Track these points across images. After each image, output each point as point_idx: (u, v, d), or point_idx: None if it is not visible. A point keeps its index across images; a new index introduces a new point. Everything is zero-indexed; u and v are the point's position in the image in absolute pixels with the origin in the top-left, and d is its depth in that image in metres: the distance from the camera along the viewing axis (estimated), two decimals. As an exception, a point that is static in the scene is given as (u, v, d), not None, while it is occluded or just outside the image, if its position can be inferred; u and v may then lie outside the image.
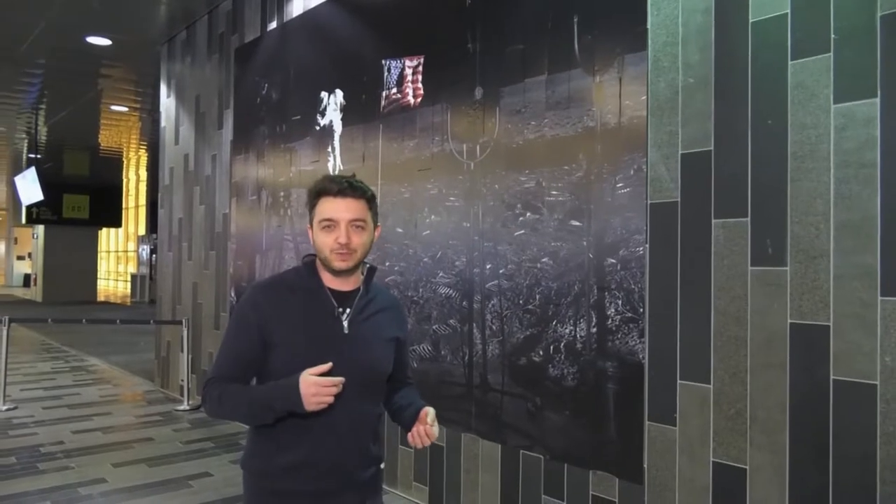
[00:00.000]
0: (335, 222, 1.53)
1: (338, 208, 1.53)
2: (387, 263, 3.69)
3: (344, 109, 4.05)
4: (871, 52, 1.97)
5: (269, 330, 1.54)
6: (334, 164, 4.11)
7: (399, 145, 3.64)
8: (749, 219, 2.23)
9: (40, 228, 18.27)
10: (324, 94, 4.20)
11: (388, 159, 3.72)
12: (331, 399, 1.43)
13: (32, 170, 10.77)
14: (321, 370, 1.45)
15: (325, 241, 1.54)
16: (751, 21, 2.23)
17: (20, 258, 24.97)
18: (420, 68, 3.51)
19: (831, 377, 2.04)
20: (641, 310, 2.52)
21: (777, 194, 2.16)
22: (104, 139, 11.96)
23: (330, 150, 4.15)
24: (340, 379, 1.44)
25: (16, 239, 24.83)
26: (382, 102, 3.75)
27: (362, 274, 1.65)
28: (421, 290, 3.48)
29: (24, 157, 13.51)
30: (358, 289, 1.63)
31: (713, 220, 2.32)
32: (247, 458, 1.60)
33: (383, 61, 3.73)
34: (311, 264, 1.62)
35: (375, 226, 1.62)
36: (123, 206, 19.74)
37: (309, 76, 4.35)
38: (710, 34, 2.34)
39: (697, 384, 2.36)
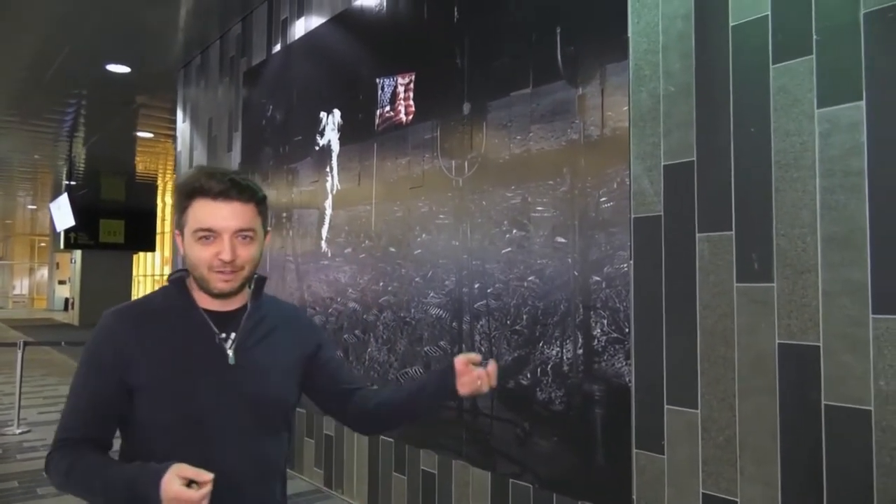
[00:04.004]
0: (215, 233, 1.22)
1: (220, 215, 1.22)
2: (381, 283, 3.62)
3: (341, 129, 4.02)
4: (855, 52, 1.84)
5: (129, 368, 1.22)
6: (332, 183, 4.08)
7: (392, 163, 3.58)
8: (734, 232, 2.10)
9: (78, 253, 18.78)
10: (323, 114, 4.19)
11: (382, 178, 3.67)
12: None
13: (65, 196, 11.07)
14: (198, 475, 1.10)
15: (201, 256, 1.23)
16: (731, 25, 2.12)
17: (61, 283, 25.71)
18: (411, 85, 3.47)
19: (823, 402, 1.88)
20: (627, 330, 2.39)
21: (762, 206, 2.03)
22: (137, 165, 12.25)
23: (328, 169, 4.12)
24: (206, 491, 1.10)
25: (57, 264, 25.61)
26: (377, 121, 3.71)
27: (249, 287, 1.35)
28: (413, 310, 3.40)
29: (64, 184, 13.97)
30: (244, 307, 1.33)
31: (697, 234, 2.19)
32: None
33: (377, 79, 3.70)
34: (180, 282, 1.32)
35: (266, 232, 1.33)
36: (158, 230, 20.18)
37: (309, 97, 4.35)
38: (691, 40, 2.23)
39: (685, 409, 2.21)
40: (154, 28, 5.66)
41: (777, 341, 1.98)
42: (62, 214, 11.55)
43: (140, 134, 9.59)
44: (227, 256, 1.23)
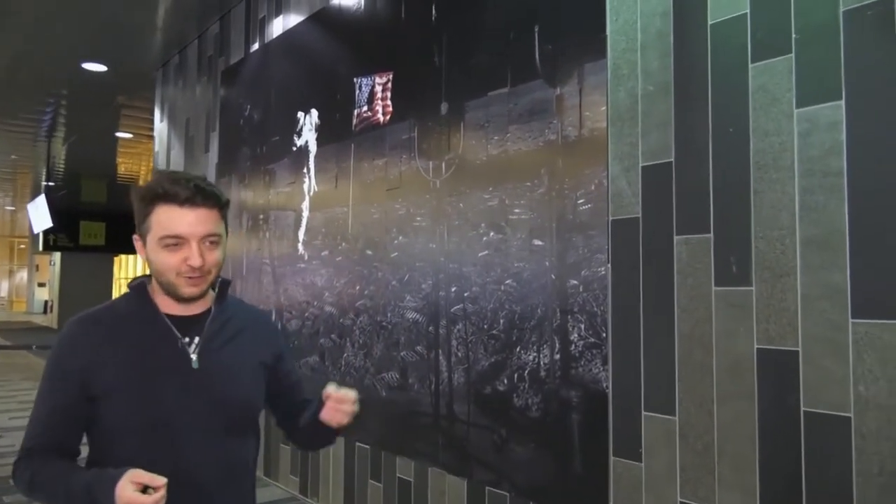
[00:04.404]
0: (183, 240, 1.23)
1: (187, 221, 1.22)
2: (357, 287, 3.55)
3: (319, 129, 3.95)
4: (835, 50, 1.80)
5: (93, 376, 1.23)
6: (309, 184, 4.00)
7: (370, 164, 3.52)
8: (712, 234, 2.05)
9: (57, 256, 18.50)
10: (300, 114, 4.11)
11: (359, 179, 3.60)
12: None
13: (42, 197, 10.91)
14: (152, 480, 1.10)
15: (168, 263, 1.24)
16: (710, 23, 2.08)
17: (41, 285, 25.32)
18: (389, 85, 3.40)
19: (802, 408, 1.84)
20: (604, 334, 2.34)
21: (740, 207, 1.99)
22: (118, 167, 12.06)
23: (305, 170, 4.04)
24: (159, 495, 1.11)
25: (37, 266, 25.22)
26: (354, 121, 3.64)
27: (213, 290, 1.36)
28: (389, 314, 3.33)
29: (43, 185, 13.76)
30: (209, 311, 1.34)
31: (675, 237, 2.14)
32: None
33: (355, 79, 3.64)
34: (141, 287, 1.33)
35: (227, 234, 1.34)
36: (140, 233, 19.95)
37: (287, 96, 4.28)
38: (669, 38, 2.18)
39: (663, 416, 2.16)
40: (131, 26, 5.55)
41: (756, 346, 1.94)
42: (40, 215, 11.38)
43: (120, 135, 9.44)
44: (196, 262, 1.24)
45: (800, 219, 1.85)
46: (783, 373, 1.87)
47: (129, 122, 8.82)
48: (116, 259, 21.10)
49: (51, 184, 12.11)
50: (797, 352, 1.85)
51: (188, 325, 1.32)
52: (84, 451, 1.32)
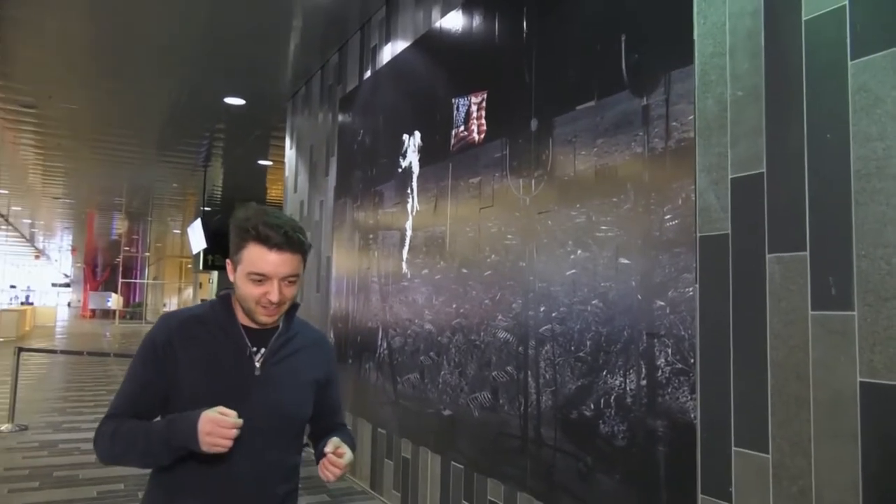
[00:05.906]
0: (267, 278, 1.40)
1: (272, 262, 1.39)
2: (453, 305, 3.56)
3: (421, 150, 4.03)
4: (948, 39, 1.56)
5: (175, 364, 1.42)
6: (412, 204, 4.09)
7: (465, 183, 3.53)
8: (808, 252, 1.84)
9: (215, 274, 20.25)
10: (405, 137, 4.23)
11: (456, 198, 3.62)
12: (228, 443, 1.29)
13: (199, 221, 12.00)
14: (231, 414, 1.31)
15: (252, 293, 1.42)
16: (804, 19, 1.88)
17: (203, 300, 27.85)
18: (483, 104, 3.41)
19: (914, 454, 1.58)
20: (692, 360, 2.16)
21: (839, 222, 1.76)
22: (266, 192, 13.06)
23: (409, 190, 4.14)
24: (240, 421, 1.31)
25: (200, 284, 27.77)
26: (452, 141, 3.68)
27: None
28: (482, 333, 3.30)
29: (201, 210, 15.21)
30: (277, 327, 1.51)
31: (767, 255, 1.94)
32: None
33: (453, 100, 3.68)
34: (226, 298, 1.51)
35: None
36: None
37: (394, 120, 4.41)
38: (760, 39, 2.01)
39: (754, 453, 1.95)
40: (264, 63, 6.01)
41: (858, 379, 1.70)
42: (196, 238, 12.55)
43: (262, 162, 10.22)
44: (274, 298, 1.41)
45: (908, 234, 1.61)
46: (891, 411, 1.63)
47: (270, 151, 9.53)
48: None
49: (206, 209, 13.32)
50: (908, 387, 1.60)
51: (258, 336, 1.48)
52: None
